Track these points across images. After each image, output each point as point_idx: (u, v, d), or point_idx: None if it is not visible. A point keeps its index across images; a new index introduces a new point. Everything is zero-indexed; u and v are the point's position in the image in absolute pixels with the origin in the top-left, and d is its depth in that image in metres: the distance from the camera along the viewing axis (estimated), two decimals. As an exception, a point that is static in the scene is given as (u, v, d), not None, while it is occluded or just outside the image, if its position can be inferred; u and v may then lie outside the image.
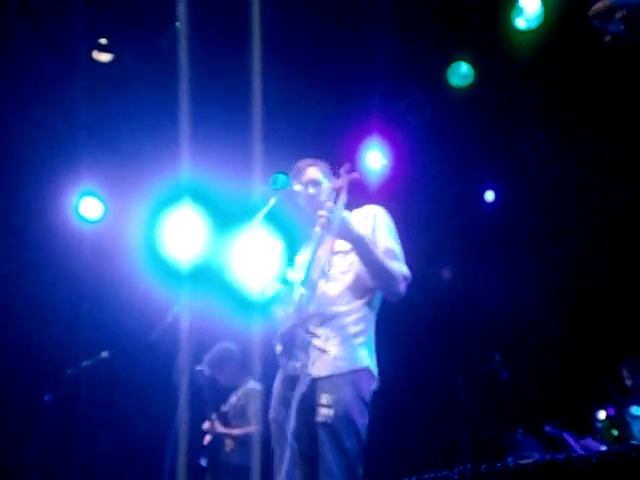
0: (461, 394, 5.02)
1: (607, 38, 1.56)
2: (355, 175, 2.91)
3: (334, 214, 2.71)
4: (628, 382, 4.73)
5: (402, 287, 2.80)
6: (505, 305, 5.76)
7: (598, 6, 1.54)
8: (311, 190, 3.00)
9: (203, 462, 4.65)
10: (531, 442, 4.70)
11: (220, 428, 4.70)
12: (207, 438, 4.70)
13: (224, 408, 4.86)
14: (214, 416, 4.70)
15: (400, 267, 2.81)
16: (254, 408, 4.83)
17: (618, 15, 1.50)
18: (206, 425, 4.70)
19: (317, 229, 2.78)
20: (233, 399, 4.91)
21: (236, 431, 4.73)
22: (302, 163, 3.10)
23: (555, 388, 5.38)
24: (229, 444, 4.74)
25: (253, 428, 4.70)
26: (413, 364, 5.67)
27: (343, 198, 2.86)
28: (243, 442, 4.68)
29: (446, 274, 6.43)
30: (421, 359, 5.74)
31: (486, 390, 5.21)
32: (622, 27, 1.49)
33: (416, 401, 5.71)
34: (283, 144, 5.01)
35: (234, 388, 4.94)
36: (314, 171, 3.05)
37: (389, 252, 2.83)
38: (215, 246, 5.23)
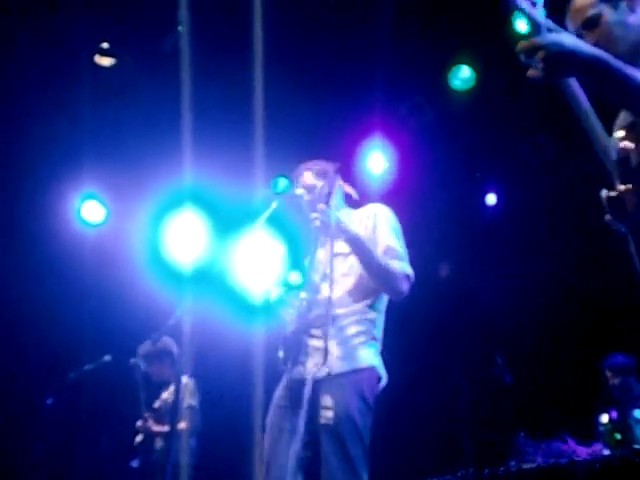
0: (463, 397, 5.01)
1: (529, 72, 1.69)
2: (339, 182, 2.92)
3: (326, 215, 2.71)
4: (613, 381, 4.73)
5: (404, 286, 2.78)
6: (507, 308, 5.75)
7: (523, 43, 1.66)
8: (306, 197, 2.99)
9: (135, 463, 4.57)
10: (534, 446, 4.69)
11: (153, 426, 4.60)
12: (139, 437, 4.62)
13: (156, 404, 4.78)
14: (147, 414, 4.61)
15: (401, 266, 2.79)
16: (187, 404, 4.78)
17: (539, 55, 1.61)
18: (139, 423, 4.61)
19: (314, 227, 2.79)
20: (164, 395, 4.81)
21: (168, 428, 4.62)
22: (300, 167, 3.09)
23: (558, 391, 5.37)
24: (160, 442, 4.64)
25: (184, 424, 4.63)
26: (415, 367, 5.66)
27: (336, 198, 2.87)
28: (175, 439, 4.62)
29: (448, 277, 6.42)
30: (423, 362, 5.73)
31: (488, 393, 5.20)
32: (541, 66, 1.62)
33: (418, 404, 5.70)
34: (285, 148, 5.02)
35: (165, 384, 4.82)
36: (308, 176, 3.03)
37: (390, 250, 2.81)
38: (217, 250, 5.22)
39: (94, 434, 5.41)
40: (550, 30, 1.67)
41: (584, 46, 1.67)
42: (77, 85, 5.06)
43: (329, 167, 3.05)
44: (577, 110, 1.83)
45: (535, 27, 1.65)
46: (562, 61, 1.62)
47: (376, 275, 2.78)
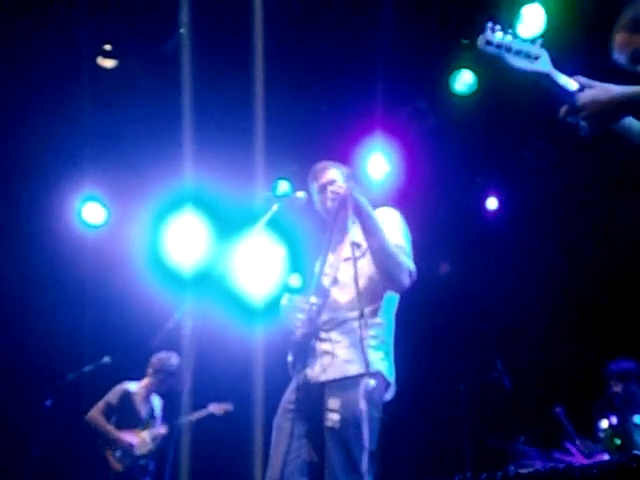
0: (463, 402, 5.00)
1: (581, 132, 1.89)
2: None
3: (350, 190, 2.78)
4: (615, 388, 4.71)
5: (406, 279, 2.80)
6: (508, 312, 5.75)
7: (563, 110, 1.87)
8: (331, 189, 3.00)
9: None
10: (533, 451, 4.67)
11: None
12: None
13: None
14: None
15: (406, 260, 2.82)
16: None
17: (581, 116, 1.83)
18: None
19: (329, 203, 2.91)
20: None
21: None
22: (321, 164, 3.11)
23: (558, 396, 5.36)
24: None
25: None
26: (415, 370, 5.65)
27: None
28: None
29: (449, 281, 6.42)
30: (423, 366, 5.73)
31: (488, 398, 5.19)
32: (587, 124, 1.84)
33: (417, 408, 5.70)
34: (286, 151, 5.03)
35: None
36: (334, 172, 3.06)
37: (398, 247, 2.84)
38: (217, 252, 5.24)
39: (93, 436, 5.40)
40: (582, 88, 1.85)
41: (618, 92, 1.84)
42: (79, 87, 5.07)
43: (347, 169, 3.13)
44: (630, 135, 2.00)
45: (567, 98, 1.83)
46: (604, 114, 1.81)
47: (381, 259, 2.78)
